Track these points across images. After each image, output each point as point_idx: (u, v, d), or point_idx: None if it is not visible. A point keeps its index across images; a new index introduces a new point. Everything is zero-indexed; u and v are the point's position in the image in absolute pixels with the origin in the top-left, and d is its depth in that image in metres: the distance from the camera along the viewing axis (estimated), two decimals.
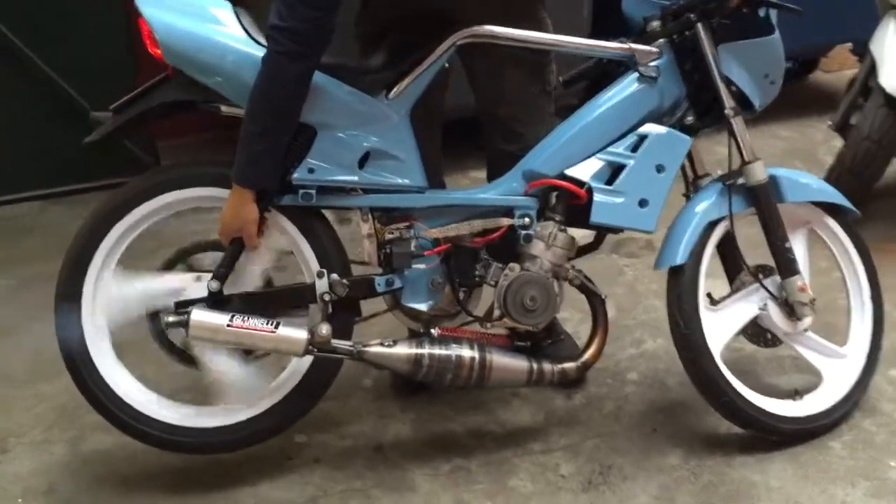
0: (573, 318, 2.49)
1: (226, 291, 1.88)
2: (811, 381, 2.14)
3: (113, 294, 1.87)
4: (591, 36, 2.04)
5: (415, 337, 1.94)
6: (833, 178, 2.84)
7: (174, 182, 1.86)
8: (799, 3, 1.96)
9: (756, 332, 2.09)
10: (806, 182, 2.10)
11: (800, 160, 3.46)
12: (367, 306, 2.03)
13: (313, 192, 1.86)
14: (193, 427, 1.93)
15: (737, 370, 2.04)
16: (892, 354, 2.33)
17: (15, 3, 3.33)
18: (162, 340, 1.92)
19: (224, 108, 1.86)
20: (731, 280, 2.10)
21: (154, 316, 1.89)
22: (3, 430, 2.23)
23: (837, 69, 4.56)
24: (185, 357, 1.93)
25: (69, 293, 1.85)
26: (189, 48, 1.77)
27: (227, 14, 1.82)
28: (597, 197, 1.92)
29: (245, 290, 1.89)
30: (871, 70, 2.81)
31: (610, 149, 1.94)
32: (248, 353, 1.93)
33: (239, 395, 1.91)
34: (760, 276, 2.05)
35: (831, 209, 2.13)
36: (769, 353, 2.24)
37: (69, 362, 1.88)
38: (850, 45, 4.17)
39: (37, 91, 3.34)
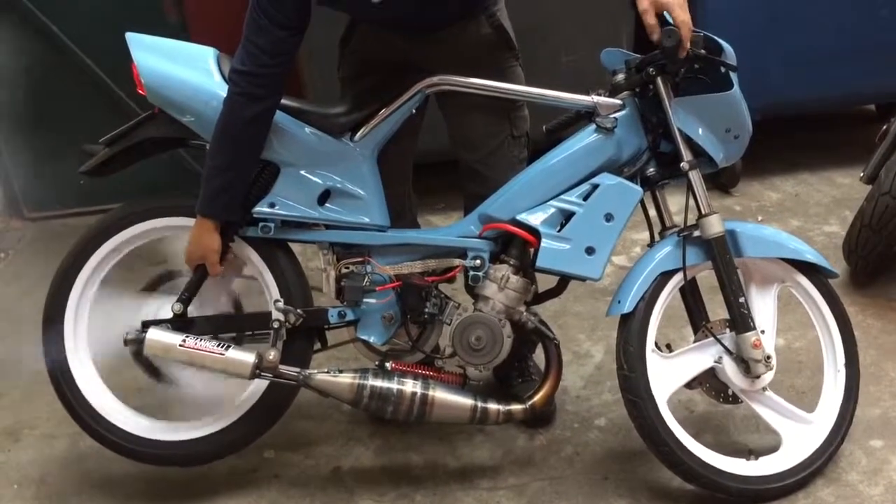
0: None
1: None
2: (777, 442, 2.08)
3: (96, 317, 2.04)
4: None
5: (361, 369, 2.03)
6: (854, 233, 2.73)
7: (149, 213, 2.03)
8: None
9: (715, 386, 2.06)
10: (771, 238, 2.06)
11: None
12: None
13: (272, 225, 2.00)
14: (161, 440, 2.08)
15: (711, 424, 1.99)
16: (878, 424, 2.23)
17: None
18: (140, 360, 2.07)
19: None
20: (695, 330, 2.08)
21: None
22: (22, 421, 2.49)
23: None
24: (161, 375, 2.09)
25: (53, 315, 2.04)
26: (166, 88, 1.94)
27: (207, 59, 1.99)
28: (544, 243, 1.96)
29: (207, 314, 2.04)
30: None
31: (563, 196, 1.98)
32: None
33: (201, 408, 2.06)
34: (727, 329, 2.03)
35: (808, 267, 2.07)
36: (746, 409, 2.19)
37: (53, 377, 2.07)
38: None
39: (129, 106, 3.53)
